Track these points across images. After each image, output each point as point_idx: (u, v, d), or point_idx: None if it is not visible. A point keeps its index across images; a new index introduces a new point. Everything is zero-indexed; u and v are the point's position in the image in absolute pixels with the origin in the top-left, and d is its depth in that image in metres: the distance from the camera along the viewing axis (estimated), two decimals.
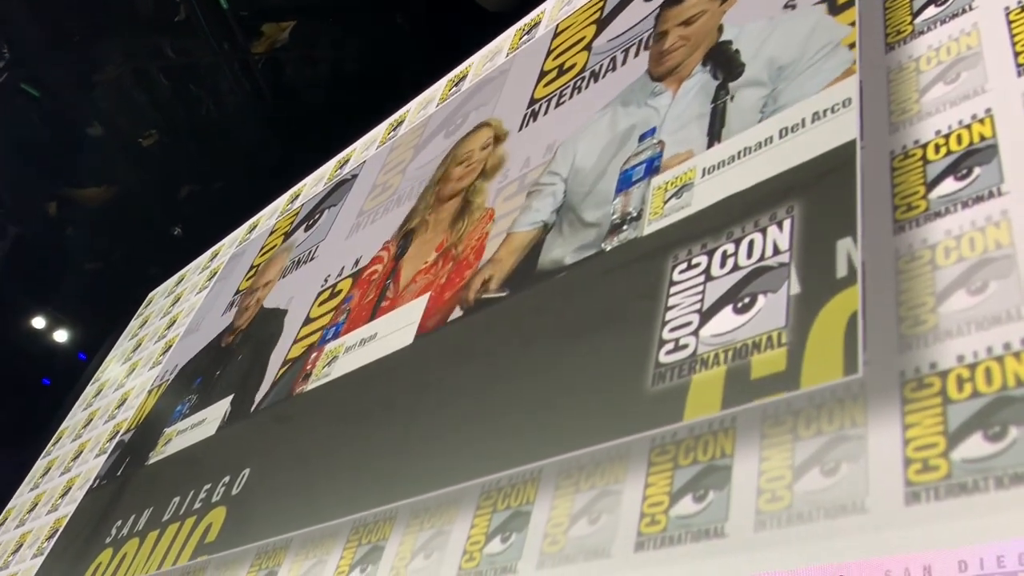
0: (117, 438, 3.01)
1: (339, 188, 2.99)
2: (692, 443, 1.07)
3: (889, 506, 0.85)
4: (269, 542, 1.72)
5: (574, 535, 1.13)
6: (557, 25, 2.35)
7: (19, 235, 5.79)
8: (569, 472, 1.20)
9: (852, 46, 1.31)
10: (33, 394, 5.72)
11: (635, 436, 1.14)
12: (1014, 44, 1.11)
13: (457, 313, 1.73)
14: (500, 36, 2.67)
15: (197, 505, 2.09)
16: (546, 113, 2.04)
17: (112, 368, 3.87)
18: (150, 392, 3.09)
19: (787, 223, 1.17)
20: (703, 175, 1.39)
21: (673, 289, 1.26)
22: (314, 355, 2.14)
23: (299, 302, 2.51)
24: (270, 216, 3.53)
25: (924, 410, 0.88)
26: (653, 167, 1.52)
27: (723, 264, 1.21)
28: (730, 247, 1.22)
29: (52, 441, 3.78)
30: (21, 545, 3.04)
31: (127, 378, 3.51)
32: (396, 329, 1.89)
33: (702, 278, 1.23)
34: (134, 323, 4.13)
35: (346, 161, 3.17)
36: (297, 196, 3.40)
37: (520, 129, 2.09)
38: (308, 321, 2.35)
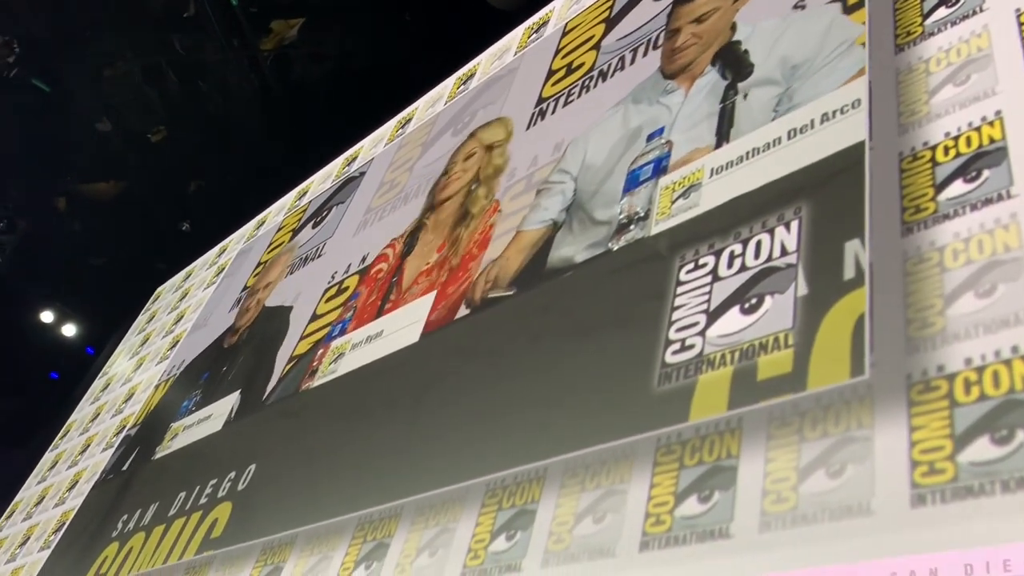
0: (124, 432, 3.03)
1: (347, 185, 2.99)
2: (698, 443, 1.07)
3: (895, 508, 0.84)
4: (274, 538, 1.72)
5: (579, 534, 1.13)
6: (566, 24, 2.34)
7: (28, 230, 5.82)
8: (575, 471, 1.20)
9: (865, 45, 1.31)
10: (41, 388, 5.75)
11: (641, 436, 1.14)
12: None
13: (464, 311, 1.73)
14: (508, 35, 2.67)
15: (203, 500, 2.10)
16: (554, 112, 2.04)
17: (120, 363, 3.88)
18: (157, 387, 3.10)
19: (795, 224, 1.17)
20: (711, 175, 1.39)
21: (680, 289, 1.26)
22: (321, 351, 2.15)
23: (306, 298, 2.51)
24: (278, 212, 3.54)
25: (931, 413, 0.88)
26: (661, 167, 1.52)
27: (730, 264, 1.21)
28: (737, 248, 1.22)
29: (60, 435, 3.80)
30: (28, 538, 3.06)
31: (134, 373, 3.52)
32: (402, 326, 1.89)
33: (709, 278, 1.23)
34: (142, 318, 4.15)
35: (354, 158, 3.17)
36: (305, 193, 3.41)
37: (528, 128, 2.09)
38: (315, 317, 2.36)
